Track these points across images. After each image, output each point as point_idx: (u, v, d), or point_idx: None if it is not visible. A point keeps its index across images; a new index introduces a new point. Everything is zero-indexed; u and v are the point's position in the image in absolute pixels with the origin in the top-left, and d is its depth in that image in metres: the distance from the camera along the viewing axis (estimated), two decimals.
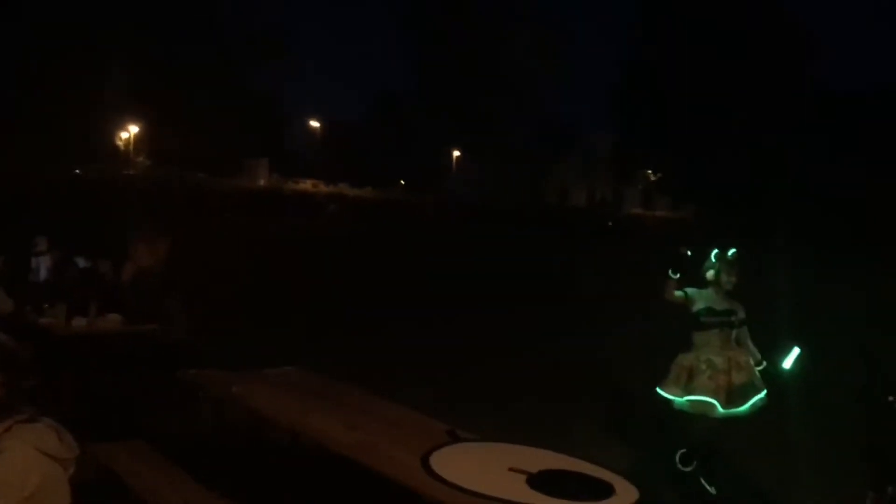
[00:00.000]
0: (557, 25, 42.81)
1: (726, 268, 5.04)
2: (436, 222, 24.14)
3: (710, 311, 4.96)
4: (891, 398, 3.57)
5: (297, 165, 36.40)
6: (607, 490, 2.73)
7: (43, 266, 6.03)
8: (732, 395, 4.79)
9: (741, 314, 5.03)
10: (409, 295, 12.13)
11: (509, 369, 7.74)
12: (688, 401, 4.89)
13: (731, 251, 5.13)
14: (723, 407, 4.80)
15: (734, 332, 4.97)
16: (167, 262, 5.30)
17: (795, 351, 4.83)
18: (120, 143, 39.30)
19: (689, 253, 5.00)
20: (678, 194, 38.63)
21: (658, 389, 4.99)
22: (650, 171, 40.99)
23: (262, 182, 30.01)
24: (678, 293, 5.03)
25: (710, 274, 5.09)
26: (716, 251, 5.13)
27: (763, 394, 4.83)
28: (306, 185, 29.81)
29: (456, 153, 42.60)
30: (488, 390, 6.82)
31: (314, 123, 41.86)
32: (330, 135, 45.48)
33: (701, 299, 5.01)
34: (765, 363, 4.99)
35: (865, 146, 32.78)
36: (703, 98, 34.10)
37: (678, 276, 4.94)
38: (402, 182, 34.43)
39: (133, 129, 35.56)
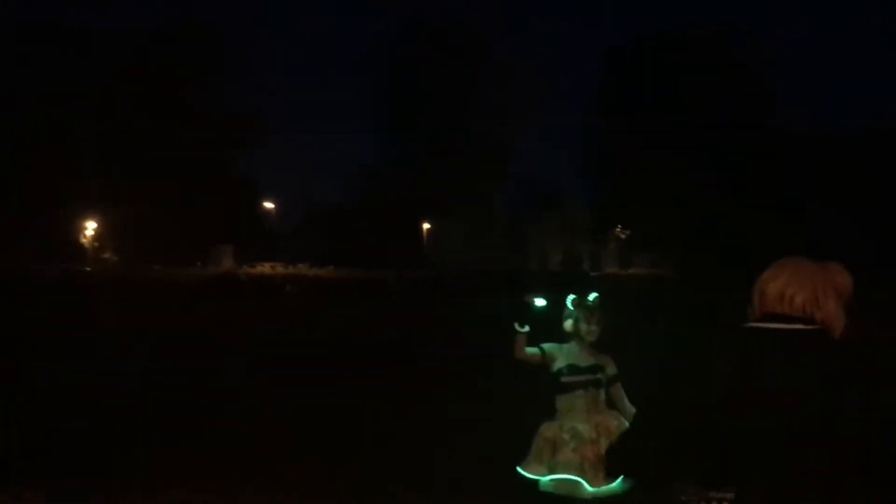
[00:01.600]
0: (530, 81, 42.92)
1: (585, 315, 4.37)
2: (399, 297, 23.50)
3: (571, 368, 4.30)
4: None
5: (266, 248, 35.92)
6: None
7: None
8: (602, 470, 4.15)
9: (611, 369, 4.38)
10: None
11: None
12: (551, 480, 4.22)
13: (592, 296, 4.48)
14: (591, 485, 4.14)
15: (602, 392, 4.31)
16: None
17: None
18: (84, 241, 38.87)
19: (535, 301, 4.39)
20: (654, 246, 38.22)
21: (519, 468, 4.33)
22: (619, 228, 40.68)
23: (222, 268, 29.50)
24: (531, 350, 4.39)
25: (568, 324, 4.43)
26: (572, 297, 4.46)
27: None
28: (264, 267, 29.38)
29: (426, 225, 42.40)
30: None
31: (274, 205, 41.66)
32: (305, 215, 45.27)
33: (561, 355, 4.35)
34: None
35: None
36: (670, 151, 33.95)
37: (525, 328, 4.30)
38: (376, 258, 34.01)
39: (92, 226, 35.17)
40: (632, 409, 4.25)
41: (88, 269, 28.70)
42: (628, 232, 39.95)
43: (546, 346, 4.40)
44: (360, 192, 43.35)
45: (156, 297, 20.60)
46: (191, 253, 33.35)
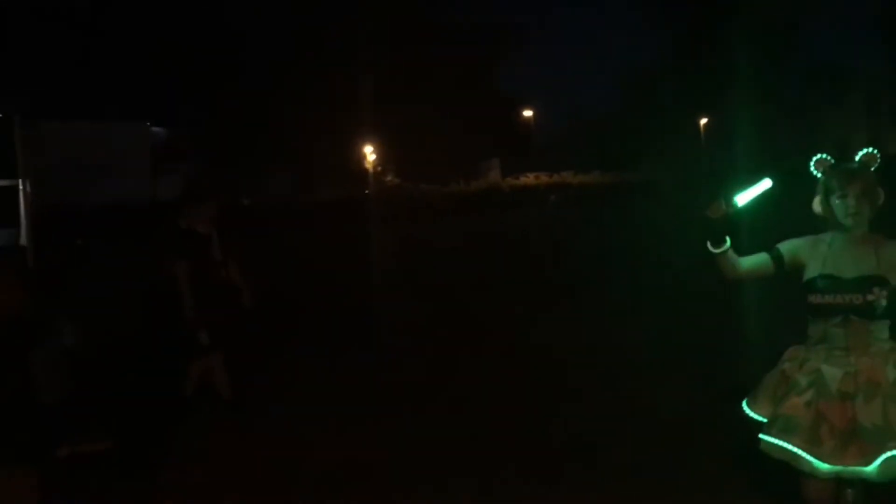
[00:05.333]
0: None
1: (843, 185, 2.87)
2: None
3: (826, 280, 2.89)
4: None
5: (532, 159, 35.43)
6: None
7: None
8: (855, 443, 2.79)
9: None
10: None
11: None
12: (765, 437, 2.97)
13: (861, 153, 2.95)
14: (826, 461, 2.80)
15: (879, 323, 2.86)
16: None
17: None
18: (368, 166, 41.32)
19: (747, 190, 2.93)
20: None
21: (744, 404, 3.14)
22: None
23: (486, 182, 29.57)
24: (751, 261, 3.02)
25: (816, 203, 3.02)
26: (818, 156, 3.01)
27: None
28: (528, 178, 28.78)
29: (703, 120, 39.01)
30: None
31: (533, 114, 40.74)
32: (570, 123, 44.16)
33: (814, 258, 2.93)
34: None
35: None
36: None
37: (724, 247, 2.96)
38: (646, 159, 32.07)
39: (370, 150, 36.96)
40: None
41: (367, 191, 30.30)
42: None
43: (786, 245, 3.06)
44: (630, 93, 41.12)
45: (421, 212, 21.49)
46: (462, 170, 34.05)
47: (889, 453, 2.71)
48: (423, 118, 33.82)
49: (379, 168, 39.29)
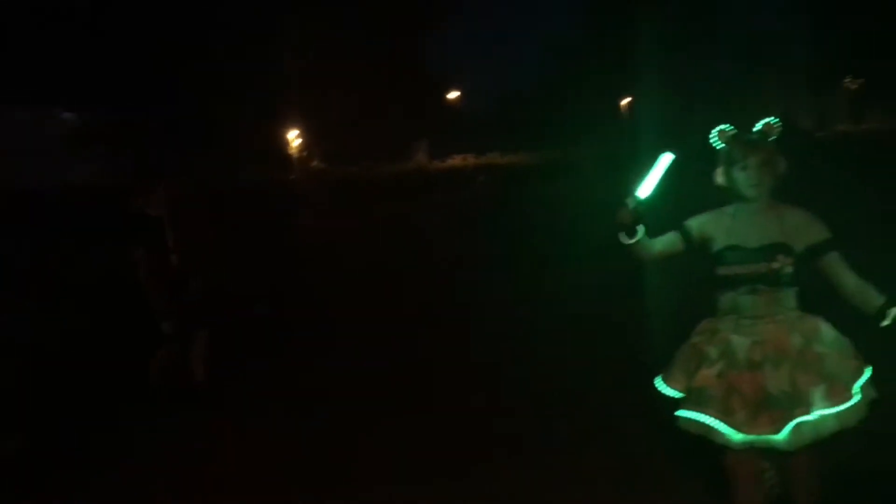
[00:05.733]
0: None
1: (744, 154, 2.87)
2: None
3: (732, 251, 2.91)
4: None
5: (459, 140, 35.47)
6: None
7: None
8: (766, 411, 2.84)
9: (812, 236, 2.85)
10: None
11: None
12: (681, 412, 3.04)
13: (760, 124, 2.96)
14: (739, 429, 2.86)
15: (786, 289, 2.91)
16: None
17: None
18: (292, 151, 40.66)
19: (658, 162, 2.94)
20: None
21: (658, 380, 3.16)
22: (848, 79, 35.47)
23: (413, 164, 29.50)
24: (662, 240, 3.04)
25: (718, 174, 3.02)
26: (719, 128, 2.99)
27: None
28: (456, 160, 28.81)
29: (626, 99, 39.66)
30: None
31: (460, 94, 40.81)
32: (498, 104, 44.31)
33: (720, 231, 2.94)
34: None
35: None
36: None
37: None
38: (571, 140, 32.44)
39: (294, 135, 36.40)
40: (877, 301, 2.86)
41: (293, 176, 29.90)
42: (861, 81, 34.71)
43: (695, 221, 3.06)
44: (553, 72, 41.46)
45: (347, 196, 21.30)
46: (389, 152, 33.83)
47: (797, 420, 2.77)
48: (348, 101, 33.50)
49: (304, 153, 38.78)
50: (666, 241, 3.10)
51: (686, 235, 3.05)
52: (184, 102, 29.73)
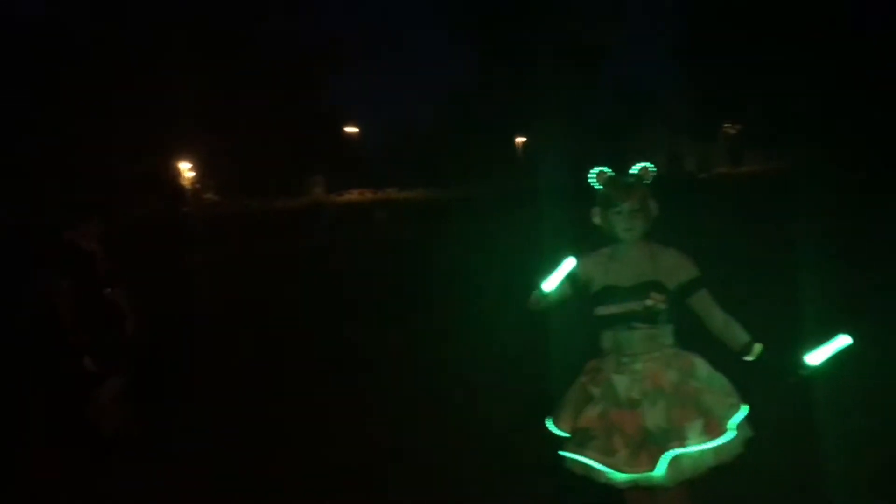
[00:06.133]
0: None
1: (620, 197, 2.93)
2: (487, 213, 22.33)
3: (608, 291, 2.96)
4: None
5: (356, 176, 35.46)
6: None
7: None
8: (647, 449, 2.84)
9: (683, 275, 2.91)
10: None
11: None
12: (565, 453, 3.02)
13: (636, 168, 3.01)
14: (621, 469, 2.85)
15: (662, 327, 2.93)
16: None
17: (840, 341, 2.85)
18: (184, 183, 39.57)
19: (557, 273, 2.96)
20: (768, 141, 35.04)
21: (549, 421, 3.12)
22: (728, 125, 37.56)
23: (310, 198, 29.23)
24: (551, 293, 3.03)
25: (595, 214, 3.05)
26: (597, 169, 3.03)
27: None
28: (353, 194, 28.76)
29: (521, 139, 40.66)
30: None
31: (359, 130, 40.94)
32: (394, 140, 44.57)
33: (598, 271, 2.99)
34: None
35: None
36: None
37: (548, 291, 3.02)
38: (468, 178, 32.88)
39: (186, 167, 35.48)
40: (742, 338, 2.95)
41: (186, 209, 29.05)
42: (739, 127, 36.77)
43: (576, 265, 3.06)
44: (448, 111, 42.13)
45: (242, 231, 20.87)
46: (285, 187, 33.40)
47: (672, 452, 2.79)
48: (245, 135, 32.95)
49: (198, 185, 37.79)
50: (558, 289, 3.12)
51: (573, 279, 3.07)
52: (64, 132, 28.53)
